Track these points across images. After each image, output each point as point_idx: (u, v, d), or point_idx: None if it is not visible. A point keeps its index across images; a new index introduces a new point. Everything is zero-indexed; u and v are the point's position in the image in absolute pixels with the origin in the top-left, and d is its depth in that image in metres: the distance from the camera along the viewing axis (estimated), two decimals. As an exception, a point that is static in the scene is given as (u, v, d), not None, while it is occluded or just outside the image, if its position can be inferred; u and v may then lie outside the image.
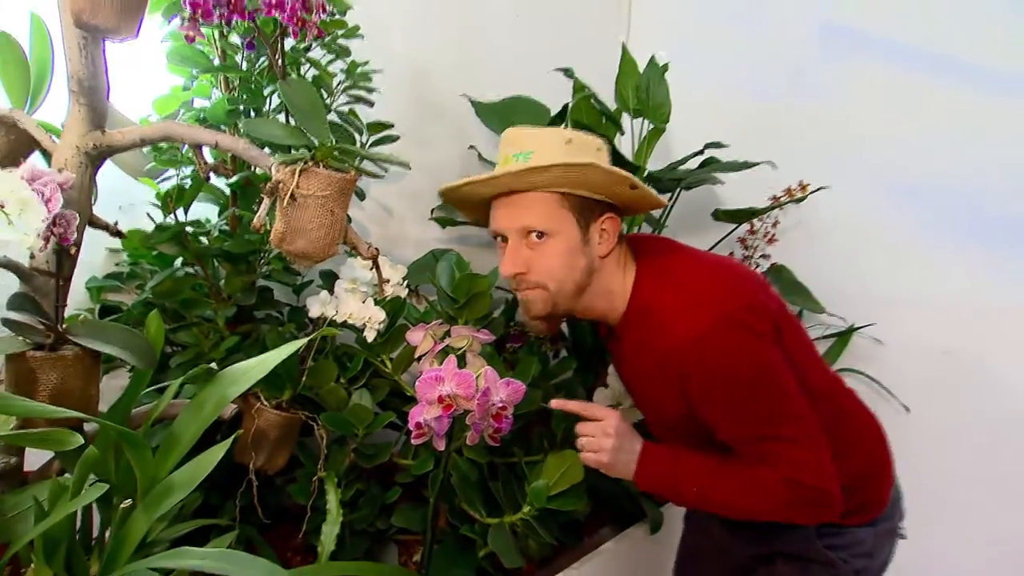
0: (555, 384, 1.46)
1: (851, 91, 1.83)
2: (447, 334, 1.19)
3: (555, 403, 1.09)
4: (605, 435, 1.04)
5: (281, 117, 1.25)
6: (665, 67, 1.66)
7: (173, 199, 1.17)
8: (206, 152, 1.19)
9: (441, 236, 1.78)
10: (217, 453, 0.89)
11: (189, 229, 1.21)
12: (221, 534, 1.05)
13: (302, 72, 1.26)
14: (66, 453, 0.85)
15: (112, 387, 1.10)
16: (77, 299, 1.22)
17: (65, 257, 0.90)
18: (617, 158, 1.44)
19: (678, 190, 1.71)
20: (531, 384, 1.23)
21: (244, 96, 1.20)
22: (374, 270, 1.20)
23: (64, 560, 0.82)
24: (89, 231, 0.98)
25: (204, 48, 1.18)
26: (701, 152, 1.71)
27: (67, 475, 0.89)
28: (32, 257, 0.91)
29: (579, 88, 1.59)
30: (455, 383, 1.04)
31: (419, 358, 1.20)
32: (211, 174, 1.22)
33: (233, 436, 0.93)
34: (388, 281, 1.27)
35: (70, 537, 0.83)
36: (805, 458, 0.97)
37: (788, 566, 1.11)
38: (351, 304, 1.23)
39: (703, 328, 0.96)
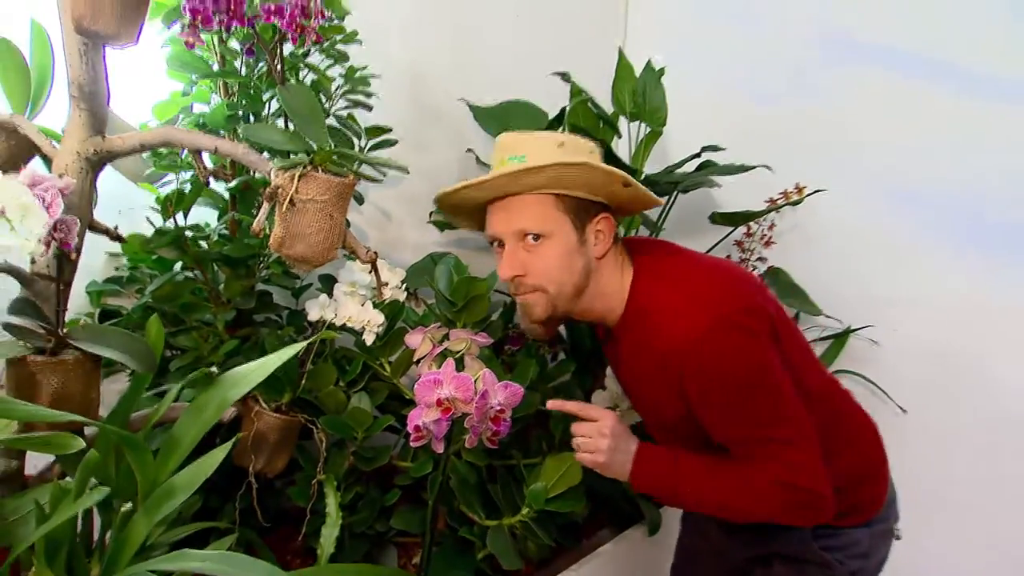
0: (553, 387, 1.47)
1: (850, 96, 1.84)
2: (445, 337, 1.19)
3: (552, 404, 1.09)
4: (601, 435, 1.04)
5: (280, 122, 1.26)
6: (661, 71, 1.67)
7: (172, 203, 1.18)
8: (205, 157, 1.19)
9: (439, 239, 1.79)
10: (217, 456, 0.89)
11: (188, 233, 1.21)
12: (221, 537, 1.05)
13: (301, 77, 1.27)
14: (67, 457, 0.85)
15: (112, 391, 1.11)
16: (77, 303, 1.22)
17: (66, 262, 0.90)
18: (614, 161, 1.45)
19: (675, 193, 1.72)
20: (529, 387, 1.24)
21: (243, 101, 1.21)
22: (373, 274, 1.20)
23: (65, 563, 0.82)
24: (89, 235, 0.98)
25: (203, 54, 1.18)
26: (698, 155, 1.72)
27: (68, 479, 0.89)
28: (33, 262, 0.91)
29: (576, 92, 1.60)
30: (453, 386, 1.04)
31: (418, 361, 1.20)
32: (210, 179, 1.22)
33: (233, 439, 0.94)
34: (387, 284, 1.27)
35: (71, 540, 0.84)
36: (801, 460, 0.97)
37: (784, 567, 1.11)
38: (350, 307, 1.24)
39: (701, 329, 0.96)
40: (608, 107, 1.67)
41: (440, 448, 1.12)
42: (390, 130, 1.40)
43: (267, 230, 0.96)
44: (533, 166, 0.98)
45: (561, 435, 1.33)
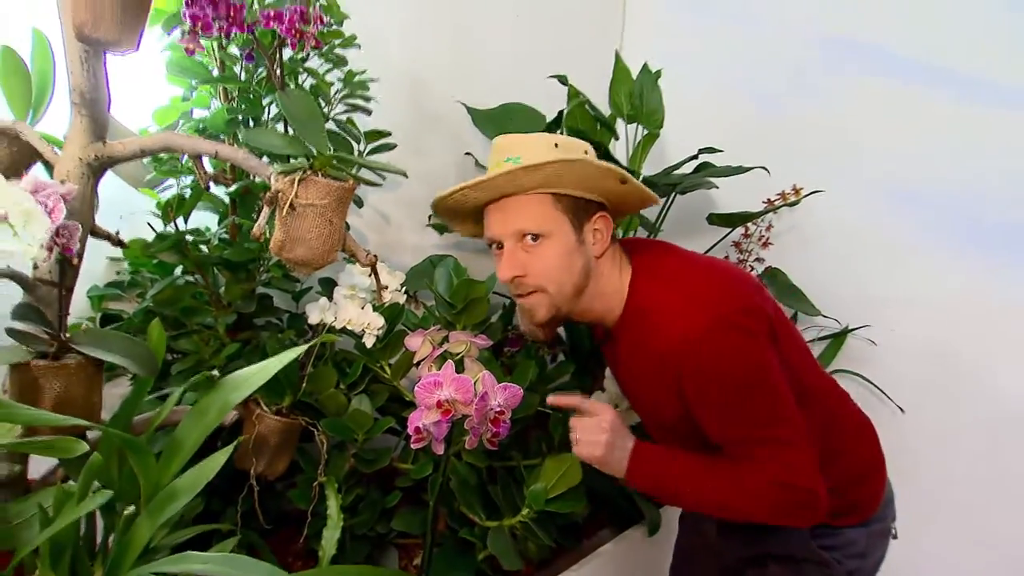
0: (553, 388, 1.47)
1: (848, 100, 1.84)
2: (445, 339, 1.20)
3: (552, 399, 1.09)
4: (600, 429, 1.04)
5: (280, 127, 1.26)
6: (658, 73, 1.68)
7: (173, 208, 1.18)
8: (206, 162, 1.20)
9: (438, 242, 1.80)
10: (219, 459, 0.89)
11: (189, 238, 1.22)
12: (223, 539, 1.05)
13: (300, 82, 1.27)
14: (70, 460, 0.85)
15: (114, 395, 1.11)
16: (78, 308, 1.23)
17: (68, 267, 0.91)
18: (611, 163, 1.45)
19: (673, 194, 1.73)
20: (528, 388, 1.24)
21: (243, 106, 1.21)
22: (372, 277, 1.21)
23: (69, 566, 0.83)
24: (90, 240, 0.99)
25: (203, 59, 1.19)
26: (695, 157, 1.72)
27: (71, 482, 0.90)
28: (35, 267, 0.92)
29: (574, 95, 1.61)
30: (453, 388, 1.05)
31: (417, 363, 1.21)
32: (211, 183, 1.23)
33: (235, 442, 0.94)
34: (386, 287, 1.28)
35: (75, 543, 0.84)
36: (799, 460, 0.98)
37: (781, 567, 1.12)
38: (350, 310, 1.24)
39: (699, 330, 0.96)
40: (606, 110, 1.68)
41: (440, 450, 1.13)
42: (389, 134, 1.41)
43: (267, 234, 0.96)
44: (530, 164, 0.98)
45: (560, 436, 1.34)
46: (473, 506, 1.27)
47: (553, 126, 1.65)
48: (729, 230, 1.86)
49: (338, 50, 1.26)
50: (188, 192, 1.21)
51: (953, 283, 1.71)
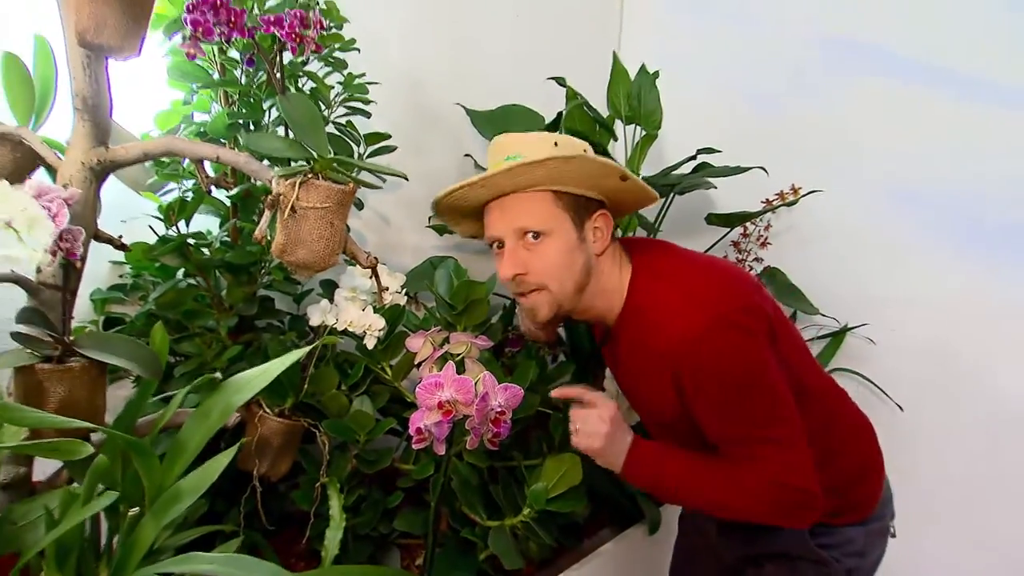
0: (553, 388, 1.48)
1: (848, 100, 1.84)
2: (446, 340, 1.20)
3: (556, 392, 1.10)
4: (600, 421, 1.04)
5: (280, 130, 1.27)
6: (656, 74, 1.69)
7: (175, 212, 1.19)
8: (207, 166, 1.21)
9: (438, 243, 1.80)
10: (223, 460, 0.90)
11: (191, 241, 1.22)
12: (226, 540, 1.06)
13: (300, 85, 1.28)
14: (75, 462, 0.86)
15: (117, 397, 1.12)
16: (81, 311, 1.23)
17: (71, 271, 0.92)
18: (611, 165, 1.46)
19: (672, 195, 1.73)
20: (529, 389, 1.24)
21: (244, 110, 1.22)
22: (373, 278, 1.22)
23: (75, 568, 0.84)
24: (93, 244, 0.99)
25: (204, 64, 1.20)
26: (694, 157, 1.73)
27: (76, 484, 0.90)
28: (39, 271, 0.92)
29: (572, 96, 1.61)
30: (454, 389, 1.05)
31: (418, 364, 1.21)
32: (212, 187, 1.23)
33: (238, 444, 0.95)
34: (387, 289, 1.28)
35: (80, 545, 0.85)
36: (796, 460, 0.98)
37: (780, 566, 1.12)
38: (351, 312, 1.25)
39: (699, 329, 0.97)
40: (604, 111, 1.69)
41: (442, 450, 1.13)
42: (389, 136, 1.41)
43: (269, 237, 0.97)
44: (530, 161, 0.97)
45: (561, 436, 1.34)
46: (474, 506, 1.28)
47: (552, 127, 1.65)
48: (728, 230, 1.86)
49: (338, 53, 1.27)
50: (190, 196, 1.22)
51: (953, 283, 1.72)
